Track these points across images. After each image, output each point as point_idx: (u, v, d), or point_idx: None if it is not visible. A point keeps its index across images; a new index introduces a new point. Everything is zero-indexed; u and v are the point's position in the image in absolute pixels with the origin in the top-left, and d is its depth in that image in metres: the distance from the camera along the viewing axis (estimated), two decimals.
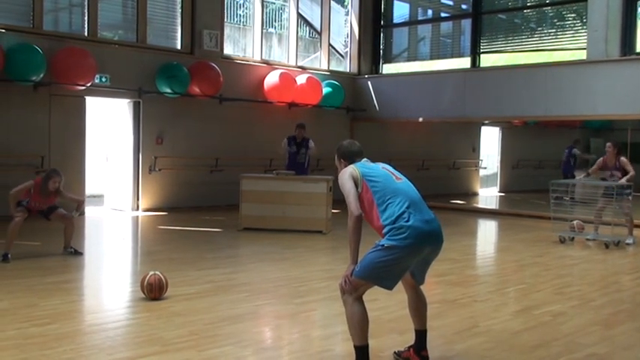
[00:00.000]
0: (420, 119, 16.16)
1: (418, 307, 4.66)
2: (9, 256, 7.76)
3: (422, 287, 4.62)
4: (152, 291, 6.01)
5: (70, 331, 5.14)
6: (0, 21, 11.66)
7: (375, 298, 6.36)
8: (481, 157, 20.82)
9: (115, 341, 4.92)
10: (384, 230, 4.19)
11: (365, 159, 4.65)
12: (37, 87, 11.71)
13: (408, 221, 4.15)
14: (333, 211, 11.31)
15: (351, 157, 4.62)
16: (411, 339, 5.16)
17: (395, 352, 4.75)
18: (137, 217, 12.67)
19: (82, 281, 7.47)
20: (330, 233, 10.82)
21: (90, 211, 12.83)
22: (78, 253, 8.43)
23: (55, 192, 8.19)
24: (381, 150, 17.35)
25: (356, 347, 4.29)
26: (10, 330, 5.03)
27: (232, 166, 13.98)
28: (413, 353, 4.63)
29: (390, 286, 4.30)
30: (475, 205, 18.01)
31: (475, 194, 20.27)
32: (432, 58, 17.36)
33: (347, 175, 4.39)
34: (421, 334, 4.65)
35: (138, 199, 13.38)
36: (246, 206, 10.98)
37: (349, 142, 4.77)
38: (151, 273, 6.08)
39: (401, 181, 4.46)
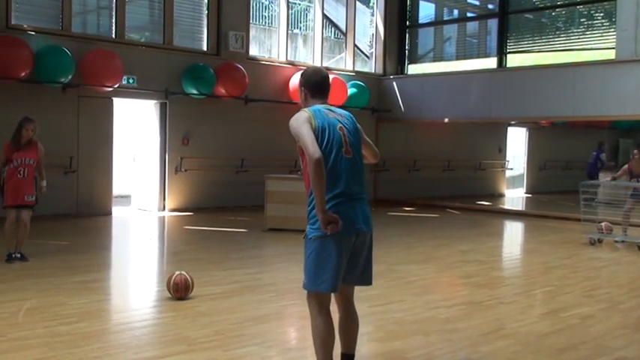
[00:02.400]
0: (446, 120, 16.07)
1: (347, 324, 4.07)
2: (13, 256, 7.59)
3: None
4: (178, 291, 6.04)
5: (97, 330, 5.19)
6: (30, 23, 11.83)
7: (401, 299, 6.36)
8: (507, 158, 20.64)
9: (142, 340, 4.95)
10: (309, 207, 3.82)
11: (326, 104, 4.02)
12: (65, 88, 11.85)
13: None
14: None
15: (314, 89, 3.97)
16: (436, 340, 5.14)
17: None
18: (163, 217, 12.77)
19: (108, 280, 7.54)
20: None
21: (117, 211, 12.95)
22: (24, 259, 7.67)
23: (33, 144, 7.72)
24: (406, 150, 17.35)
25: None
26: (40, 328, 5.09)
27: (257, 167, 14.02)
28: None
29: (326, 289, 3.79)
30: (501, 206, 17.85)
31: (501, 195, 20.09)
32: (457, 58, 17.25)
33: (302, 119, 3.77)
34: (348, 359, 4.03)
35: (164, 200, 13.48)
36: (271, 207, 10.99)
37: (314, 70, 4.15)
38: (177, 273, 6.12)
39: (350, 156, 3.88)
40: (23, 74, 11.10)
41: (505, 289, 7.36)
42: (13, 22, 11.52)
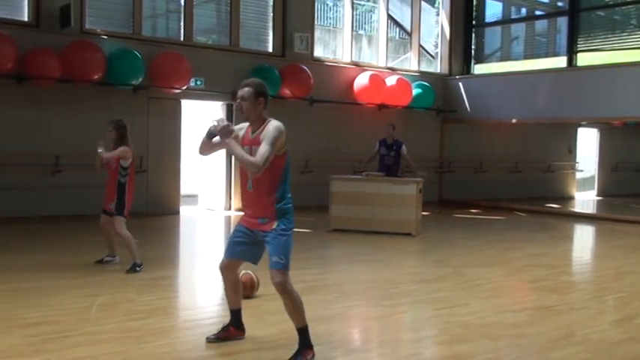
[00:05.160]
0: (514, 120, 15.78)
1: (239, 285, 4.93)
2: (138, 268, 7.32)
3: None
4: (244, 289, 6.10)
5: (166, 327, 5.29)
6: (102, 27, 12.20)
7: (467, 303, 6.26)
8: (578, 160, 20.08)
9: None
10: (276, 203, 4.42)
11: None
12: (136, 90, 12.16)
13: (290, 204, 4.53)
14: (423, 213, 11.18)
15: (267, 101, 4.60)
16: (504, 345, 5.05)
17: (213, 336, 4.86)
18: (229, 216, 12.95)
19: (177, 278, 7.68)
20: (419, 236, 10.71)
21: (185, 210, 13.21)
22: (102, 262, 7.64)
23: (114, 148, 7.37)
24: (472, 152, 17.11)
25: (304, 327, 4.48)
26: (110, 323, 5.23)
27: (322, 168, 14.05)
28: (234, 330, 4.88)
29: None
30: (571, 209, 17.34)
31: (571, 198, 19.56)
32: (525, 57, 16.88)
33: (280, 133, 4.37)
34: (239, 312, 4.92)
35: (230, 199, 13.68)
36: (335, 207, 11.01)
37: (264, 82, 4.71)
38: (243, 272, 6.17)
39: None
40: (96, 77, 11.44)
41: (575, 294, 7.16)
42: (87, 27, 11.89)
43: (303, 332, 4.50)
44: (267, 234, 4.47)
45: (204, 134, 4.53)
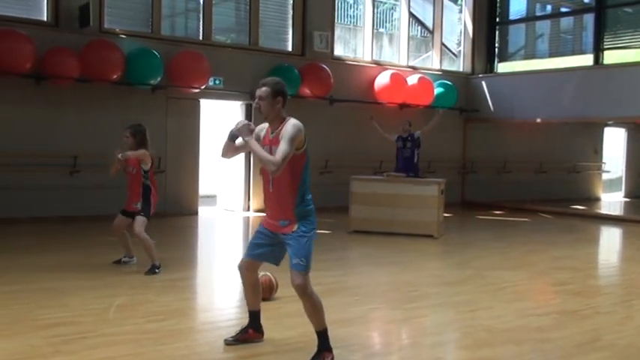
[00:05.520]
0: (538, 120, 15.66)
1: (258, 286, 4.96)
2: (157, 269, 7.33)
3: None
4: (262, 291, 6.11)
5: (184, 328, 5.33)
6: (121, 27, 12.30)
7: (490, 306, 6.23)
8: (604, 160, 19.87)
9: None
10: (296, 207, 4.44)
11: None
12: (154, 90, 12.25)
13: (312, 206, 4.56)
14: (445, 214, 11.14)
15: (285, 100, 4.55)
16: (528, 349, 5.02)
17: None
18: (248, 217, 13.00)
19: (195, 279, 7.73)
20: (441, 237, 10.66)
21: (203, 211, 13.27)
22: (120, 263, 7.73)
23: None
24: (495, 152, 17.02)
25: (324, 330, 4.49)
26: (128, 325, 5.28)
27: (342, 168, 14.05)
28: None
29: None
30: (597, 211, 17.18)
31: (597, 199, 19.37)
32: (550, 55, 16.76)
33: (299, 131, 4.37)
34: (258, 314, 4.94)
35: (249, 200, 13.73)
36: (355, 208, 11.00)
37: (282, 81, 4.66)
38: (262, 274, 6.18)
39: None
40: (115, 76, 11.55)
41: (602, 298, 7.09)
42: (105, 26, 12.01)
43: (322, 335, 4.50)
44: (288, 236, 4.49)
45: (226, 137, 4.58)
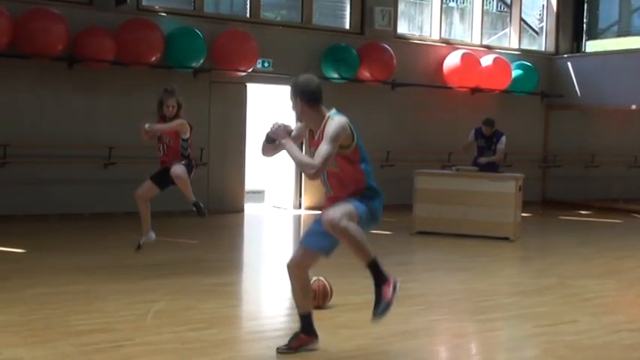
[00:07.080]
0: (633, 107, 15.33)
1: (309, 286, 5.06)
2: (201, 204, 7.78)
3: None
4: (315, 298, 6.13)
5: (229, 338, 5.41)
6: (161, 4, 12.51)
7: (574, 319, 6.14)
8: None
9: (275, 351, 5.08)
10: (365, 178, 4.77)
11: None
12: (196, 73, 12.41)
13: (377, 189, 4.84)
14: (523, 214, 11.00)
15: (319, 99, 4.59)
16: None
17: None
18: (299, 215, 13.08)
19: (240, 284, 7.83)
20: (518, 240, 10.54)
21: (249, 208, 13.41)
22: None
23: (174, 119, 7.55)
24: (582, 143, 16.72)
25: (373, 261, 4.62)
26: (167, 333, 5.37)
27: (405, 161, 14.00)
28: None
29: (366, 230, 4.71)
30: None
31: None
32: None
33: (341, 129, 4.44)
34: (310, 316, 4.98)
35: (300, 197, 13.79)
36: (420, 207, 10.95)
37: (310, 78, 4.67)
38: (315, 279, 6.22)
39: None
40: (154, 59, 11.74)
41: None
42: (143, 4, 12.23)
43: (374, 267, 4.57)
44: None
45: (263, 138, 4.73)
